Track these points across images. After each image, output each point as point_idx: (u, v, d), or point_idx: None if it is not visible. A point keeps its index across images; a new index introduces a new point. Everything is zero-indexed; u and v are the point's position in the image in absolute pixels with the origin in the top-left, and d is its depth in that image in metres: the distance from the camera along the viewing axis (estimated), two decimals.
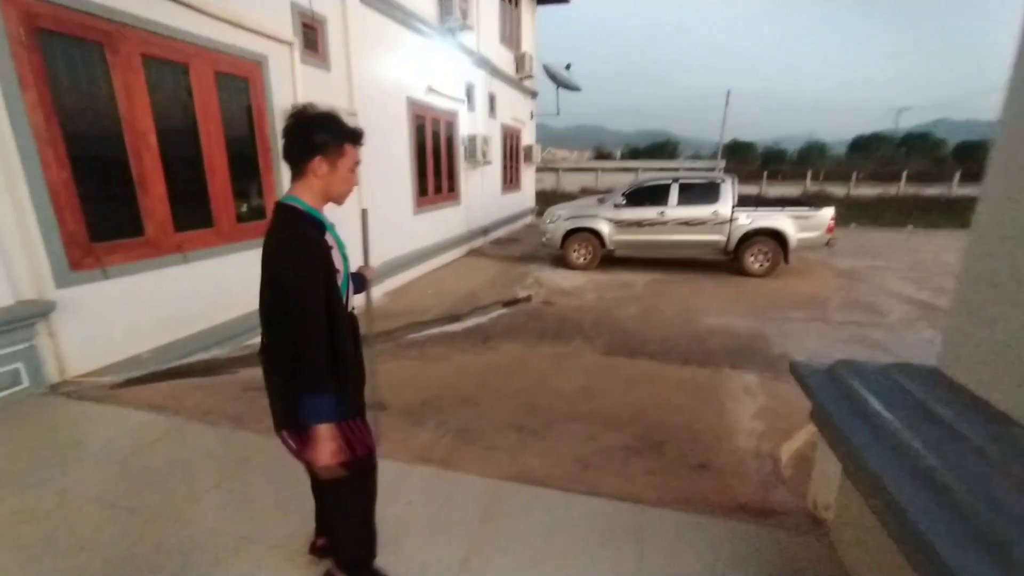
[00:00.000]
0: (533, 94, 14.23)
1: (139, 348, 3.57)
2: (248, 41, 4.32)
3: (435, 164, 8.23)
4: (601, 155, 42.79)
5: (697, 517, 2.04)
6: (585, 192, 20.85)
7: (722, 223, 7.68)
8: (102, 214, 3.36)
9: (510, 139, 12.55)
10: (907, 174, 21.53)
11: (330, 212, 1.50)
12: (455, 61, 8.67)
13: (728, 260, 8.00)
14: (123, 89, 3.42)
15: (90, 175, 3.28)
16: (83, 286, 3.22)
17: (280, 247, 1.34)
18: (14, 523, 1.94)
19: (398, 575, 1.71)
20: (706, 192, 7.81)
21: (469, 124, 9.38)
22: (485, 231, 10.92)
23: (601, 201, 8.74)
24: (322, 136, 1.39)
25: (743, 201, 8.02)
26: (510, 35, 12.03)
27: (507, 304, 6.34)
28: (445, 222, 8.76)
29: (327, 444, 1.33)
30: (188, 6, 3.74)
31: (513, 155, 13.03)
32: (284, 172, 4.82)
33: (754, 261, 7.73)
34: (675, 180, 8.04)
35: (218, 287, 4.16)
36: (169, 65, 3.74)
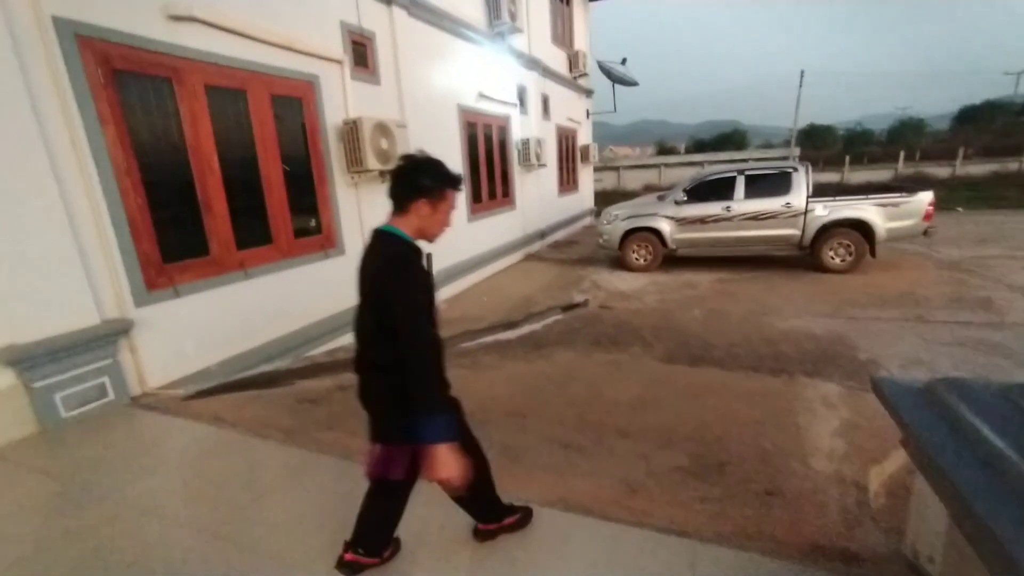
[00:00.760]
0: (588, 92, 13.91)
1: (208, 361, 3.80)
2: (300, 63, 4.51)
3: (488, 170, 8.22)
4: (663, 150, 41.12)
5: (761, 559, 1.76)
6: (648, 189, 20.10)
7: (795, 215, 7.01)
8: (172, 236, 3.61)
9: (565, 140, 12.33)
10: None
11: None
12: (505, 65, 8.63)
13: (804, 255, 7.30)
14: (189, 118, 3.66)
15: (161, 200, 3.54)
16: (157, 304, 3.48)
17: (393, 274, 1.46)
18: (67, 535, 2.07)
19: None
20: (776, 183, 7.17)
21: (522, 127, 9.30)
22: (542, 235, 10.78)
23: (661, 198, 8.32)
24: (427, 181, 1.53)
25: (821, 190, 7.31)
26: (562, 34, 11.84)
27: (564, 309, 6.16)
28: (500, 227, 8.73)
29: (450, 462, 1.42)
30: (244, 35, 3.95)
31: (569, 156, 12.80)
32: (338, 187, 5.00)
33: (834, 256, 6.99)
34: (740, 172, 7.46)
35: (278, 301, 4.36)
36: (229, 92, 3.96)
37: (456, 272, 7.10)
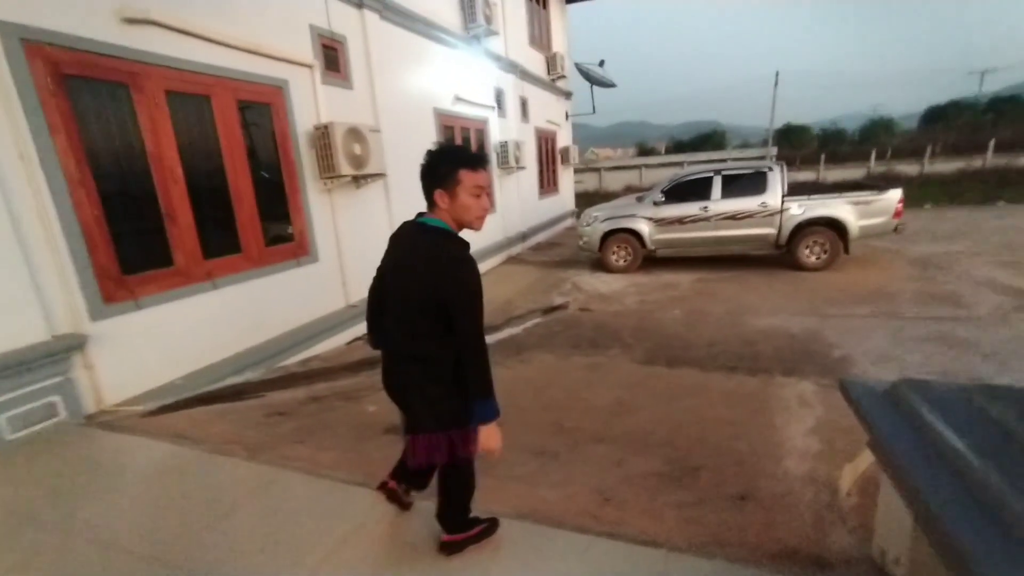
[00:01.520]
0: (567, 95, 13.96)
1: (173, 375, 3.67)
2: (268, 67, 4.40)
3: None
4: (644, 151, 41.46)
5: (732, 567, 1.73)
6: (629, 190, 20.22)
7: (772, 215, 7.10)
8: (133, 247, 3.48)
9: (545, 142, 12.34)
10: (995, 143, 19.12)
11: None
12: (482, 68, 8.59)
13: (780, 254, 7.40)
14: (148, 125, 3.54)
15: (120, 211, 3.40)
16: (117, 318, 3.34)
17: (451, 269, 1.49)
18: (10, 566, 1.94)
19: None
20: (752, 183, 7.25)
21: (501, 130, 9.27)
22: (523, 237, 10.76)
23: (640, 199, 8.36)
24: (439, 168, 1.52)
25: (796, 189, 7.41)
26: (540, 36, 11.85)
27: (544, 312, 6.13)
28: (480, 231, 8.65)
29: (498, 436, 1.56)
30: (206, 39, 3.84)
31: (549, 158, 12.81)
32: (311, 193, 4.89)
33: (809, 254, 7.10)
34: (717, 172, 7.53)
35: (249, 311, 4.24)
36: (192, 98, 3.84)
37: None
